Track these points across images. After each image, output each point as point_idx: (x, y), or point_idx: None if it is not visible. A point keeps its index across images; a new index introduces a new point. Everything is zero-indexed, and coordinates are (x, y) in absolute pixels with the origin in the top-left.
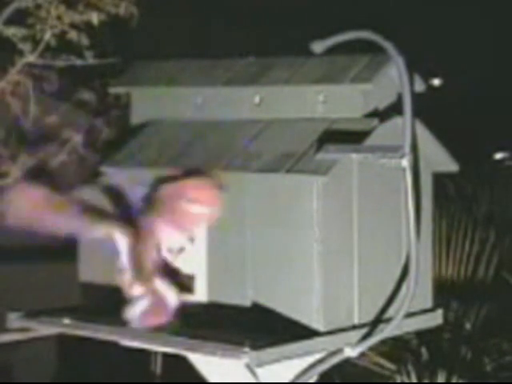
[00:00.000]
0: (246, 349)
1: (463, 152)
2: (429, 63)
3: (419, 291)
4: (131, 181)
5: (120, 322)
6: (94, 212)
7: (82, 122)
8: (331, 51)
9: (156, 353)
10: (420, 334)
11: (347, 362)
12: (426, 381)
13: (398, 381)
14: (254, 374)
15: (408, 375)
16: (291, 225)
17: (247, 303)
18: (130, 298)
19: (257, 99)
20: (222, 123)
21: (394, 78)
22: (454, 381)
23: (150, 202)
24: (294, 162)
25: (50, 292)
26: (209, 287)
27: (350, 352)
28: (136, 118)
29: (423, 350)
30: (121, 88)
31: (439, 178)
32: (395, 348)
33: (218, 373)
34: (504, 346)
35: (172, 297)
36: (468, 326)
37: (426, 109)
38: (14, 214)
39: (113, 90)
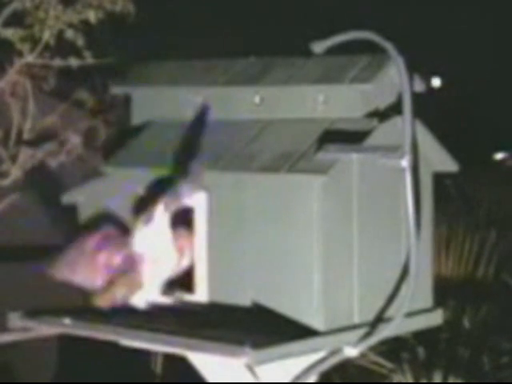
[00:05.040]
0: (247, 348)
1: (463, 152)
2: (429, 63)
3: (419, 291)
4: (131, 181)
5: (120, 322)
6: None
7: (80, 121)
8: (331, 51)
9: (156, 353)
10: (418, 334)
11: (347, 361)
12: (424, 380)
13: (396, 380)
14: (254, 373)
15: (406, 374)
16: (291, 224)
17: (247, 303)
18: None
19: (257, 99)
20: (222, 123)
21: (394, 78)
22: (451, 380)
23: None
24: (294, 161)
25: (50, 292)
26: (209, 287)
27: (350, 352)
28: (136, 118)
29: (421, 350)
30: (121, 88)
31: (439, 178)
32: (393, 347)
33: (217, 373)
34: (503, 346)
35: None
36: (467, 325)
37: (426, 109)
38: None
39: (113, 91)
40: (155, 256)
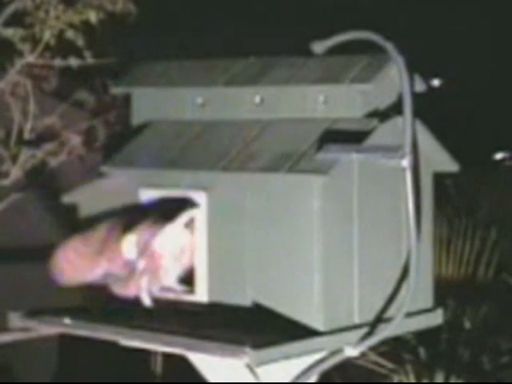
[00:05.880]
0: (247, 348)
1: (463, 152)
2: (429, 63)
3: (419, 291)
4: (131, 181)
5: (120, 322)
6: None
7: (81, 121)
8: (331, 51)
9: (156, 353)
10: (419, 334)
11: (347, 361)
12: (425, 380)
13: (396, 380)
14: (254, 373)
15: (407, 375)
16: (291, 224)
17: (247, 303)
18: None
19: (257, 99)
20: (222, 123)
21: (394, 78)
22: (452, 380)
23: None
24: (294, 161)
25: (50, 292)
26: (209, 287)
27: (351, 352)
28: (136, 119)
29: (422, 350)
30: (121, 88)
31: (440, 179)
32: (394, 347)
33: (218, 373)
34: (503, 346)
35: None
36: (468, 325)
37: (426, 109)
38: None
39: (113, 91)
40: (175, 253)
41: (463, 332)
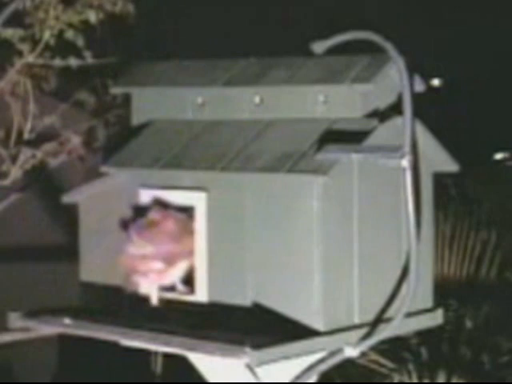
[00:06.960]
0: (247, 348)
1: (463, 152)
2: (429, 63)
3: (420, 291)
4: (131, 181)
5: (120, 322)
6: None
7: (81, 121)
8: (331, 51)
9: (156, 353)
10: (420, 333)
11: (347, 360)
12: (427, 380)
13: (397, 379)
14: (254, 373)
15: (408, 374)
16: (291, 225)
17: (247, 303)
18: None
19: (257, 99)
20: (222, 123)
21: (394, 78)
22: (454, 380)
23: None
24: (294, 162)
25: (50, 292)
26: (209, 287)
27: (351, 352)
28: (136, 119)
29: (424, 349)
30: (121, 88)
31: (440, 179)
32: (395, 346)
33: (218, 373)
34: (505, 345)
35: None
36: (469, 325)
37: (426, 109)
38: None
39: (113, 91)
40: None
41: (465, 331)
